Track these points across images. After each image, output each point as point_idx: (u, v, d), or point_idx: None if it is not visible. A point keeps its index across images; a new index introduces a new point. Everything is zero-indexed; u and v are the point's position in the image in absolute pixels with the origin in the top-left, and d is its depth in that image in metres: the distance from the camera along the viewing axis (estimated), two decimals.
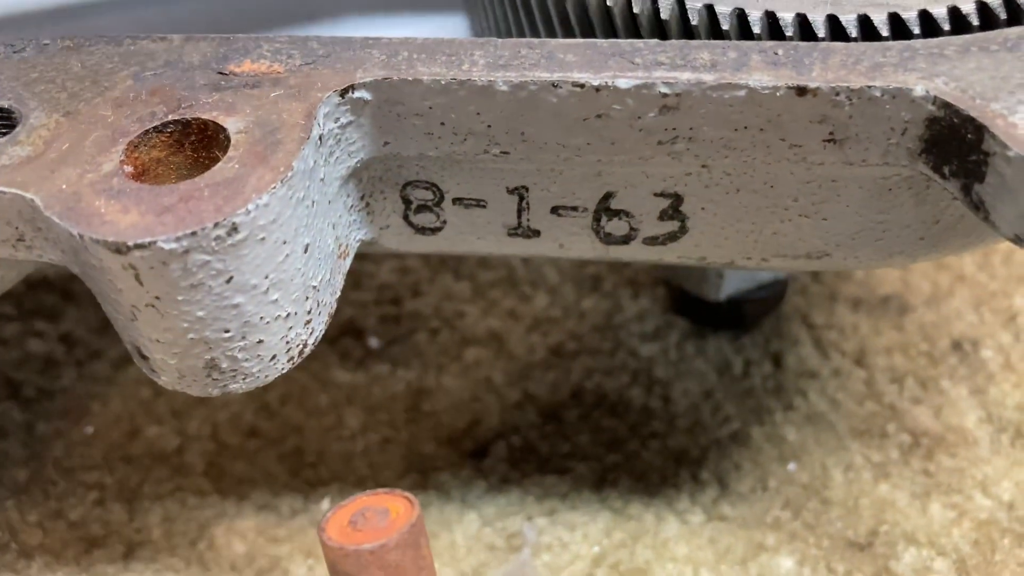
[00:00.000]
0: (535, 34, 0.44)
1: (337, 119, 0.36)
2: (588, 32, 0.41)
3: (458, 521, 0.55)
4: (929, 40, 0.36)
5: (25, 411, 0.61)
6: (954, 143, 0.33)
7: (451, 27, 0.55)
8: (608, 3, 0.39)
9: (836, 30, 0.37)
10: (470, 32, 0.54)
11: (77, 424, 0.61)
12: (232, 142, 0.34)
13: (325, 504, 0.56)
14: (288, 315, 0.35)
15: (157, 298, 0.33)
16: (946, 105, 0.33)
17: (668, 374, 0.62)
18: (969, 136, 0.33)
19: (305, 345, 0.37)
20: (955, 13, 0.37)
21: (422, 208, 0.41)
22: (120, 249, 0.31)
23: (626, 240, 0.41)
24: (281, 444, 0.59)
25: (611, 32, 0.40)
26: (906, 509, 0.55)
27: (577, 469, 0.57)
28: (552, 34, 0.43)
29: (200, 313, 0.33)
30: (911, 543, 0.53)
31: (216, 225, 0.31)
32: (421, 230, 0.42)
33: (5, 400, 0.62)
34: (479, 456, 0.58)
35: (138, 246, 0.31)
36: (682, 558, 0.53)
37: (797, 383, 0.62)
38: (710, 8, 0.38)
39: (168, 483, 0.57)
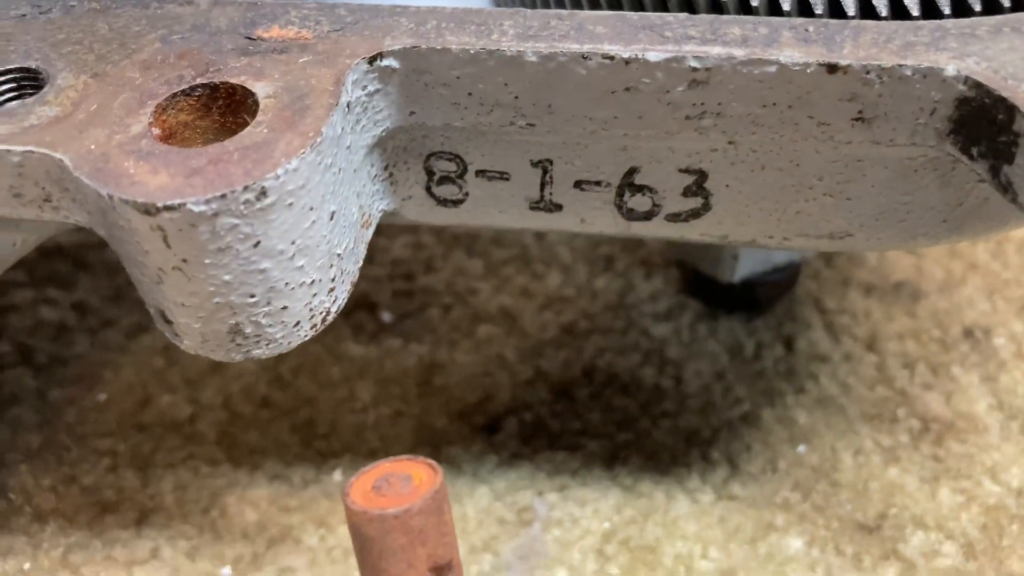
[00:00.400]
0: (561, 6, 0.44)
1: (365, 87, 0.36)
2: (616, 5, 0.41)
3: (469, 495, 0.55)
4: (961, 20, 0.35)
5: (38, 377, 0.62)
6: (984, 123, 0.33)
7: None
8: None
9: (866, 9, 0.37)
10: (494, 3, 0.53)
11: (90, 391, 0.61)
12: (260, 107, 0.34)
13: (337, 475, 0.56)
14: (312, 282, 0.35)
15: (184, 261, 0.33)
16: (977, 85, 0.33)
17: (680, 355, 0.62)
18: (1000, 116, 0.33)
19: (328, 313, 0.37)
20: None
21: (445, 179, 0.41)
22: (149, 210, 0.31)
23: (648, 216, 0.41)
24: (293, 415, 0.59)
25: (639, 5, 0.40)
26: (915, 493, 0.55)
27: (588, 446, 0.57)
28: (579, 6, 0.43)
29: (227, 277, 0.33)
30: (920, 526, 0.53)
31: (245, 189, 0.31)
32: (443, 202, 0.42)
33: (18, 366, 0.62)
34: (491, 431, 0.58)
35: (167, 208, 0.31)
36: (692, 536, 0.53)
37: (808, 367, 0.62)
38: None
39: (180, 451, 0.57)
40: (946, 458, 0.57)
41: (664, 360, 0.62)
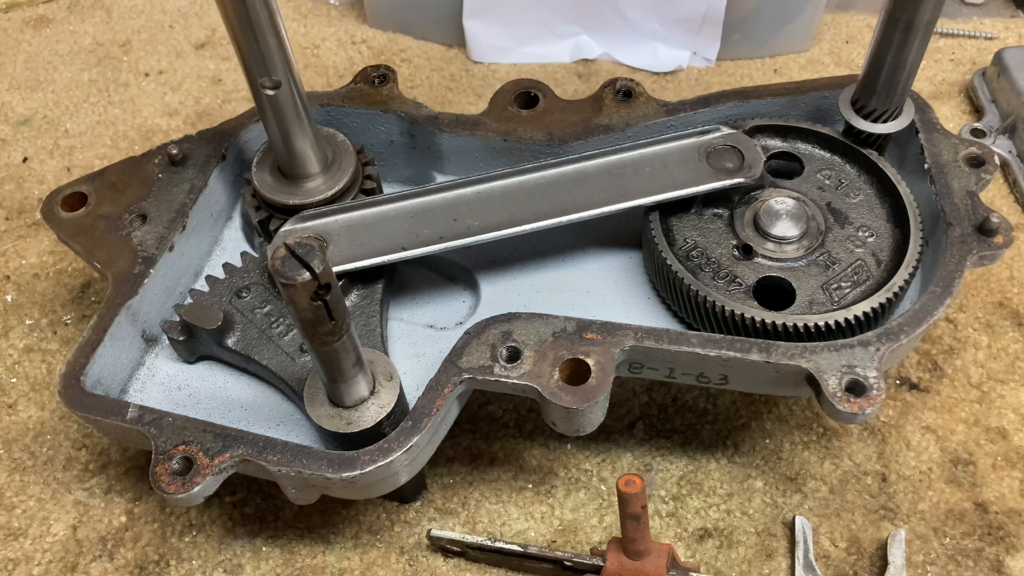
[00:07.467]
0: (669, 288, 1.14)
1: None
2: (706, 316, 1.11)
3: (618, 457, 1.31)
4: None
5: None
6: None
7: (630, 259, 1.24)
8: (734, 316, 1.09)
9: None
10: (642, 264, 1.23)
11: None
12: None
13: None
14: None
15: None
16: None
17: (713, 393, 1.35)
18: None
19: None
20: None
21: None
22: None
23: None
24: None
25: (720, 323, 1.11)
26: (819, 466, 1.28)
27: (673, 436, 1.32)
28: (677, 294, 1.13)
29: None
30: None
31: None
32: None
33: None
34: (631, 427, 1.33)
35: None
36: (716, 479, 1.28)
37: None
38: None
39: None
40: None
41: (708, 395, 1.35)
